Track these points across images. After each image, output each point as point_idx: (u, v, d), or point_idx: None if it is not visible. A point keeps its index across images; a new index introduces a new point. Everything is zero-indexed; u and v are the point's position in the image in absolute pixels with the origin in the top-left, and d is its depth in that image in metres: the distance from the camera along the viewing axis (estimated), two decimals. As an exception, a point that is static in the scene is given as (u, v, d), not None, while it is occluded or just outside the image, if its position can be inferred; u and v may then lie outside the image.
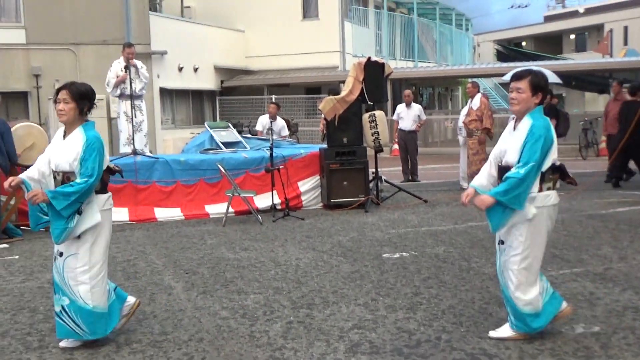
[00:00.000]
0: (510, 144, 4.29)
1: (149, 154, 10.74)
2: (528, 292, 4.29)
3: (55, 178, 4.50)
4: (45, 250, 7.89)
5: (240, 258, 7.17)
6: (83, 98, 4.47)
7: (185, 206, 10.11)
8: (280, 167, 9.93)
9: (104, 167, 4.52)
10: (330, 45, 24.89)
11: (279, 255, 7.27)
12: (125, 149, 10.53)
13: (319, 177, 10.70)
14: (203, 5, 26.07)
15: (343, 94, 10.49)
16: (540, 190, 4.22)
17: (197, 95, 24.10)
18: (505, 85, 34.81)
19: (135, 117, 10.41)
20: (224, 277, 6.37)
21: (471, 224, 8.80)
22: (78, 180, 4.33)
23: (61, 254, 4.44)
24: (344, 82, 11.80)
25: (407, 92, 14.35)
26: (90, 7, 18.13)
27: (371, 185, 10.67)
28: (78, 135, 4.46)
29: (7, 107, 17.06)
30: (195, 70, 23.18)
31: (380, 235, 8.26)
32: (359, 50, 25.61)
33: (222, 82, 24.96)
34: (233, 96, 25.17)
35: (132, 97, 10.32)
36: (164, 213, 9.94)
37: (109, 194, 4.64)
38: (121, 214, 9.69)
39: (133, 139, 10.31)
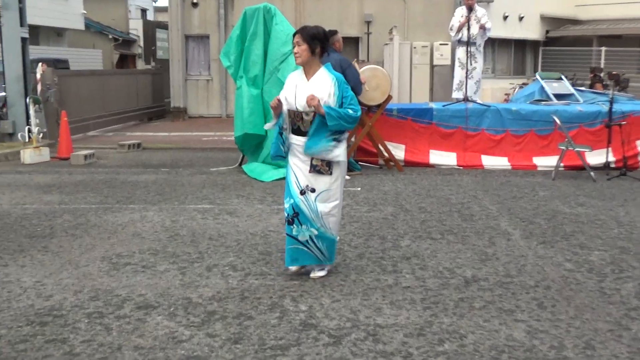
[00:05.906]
0: None
1: (479, 101, 10.80)
2: None
3: (302, 118, 4.64)
4: (382, 186, 8.46)
5: (578, 213, 6.95)
6: (314, 39, 4.60)
7: (513, 156, 10.03)
8: (622, 122, 9.30)
9: None
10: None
11: (620, 215, 6.89)
12: (456, 94, 10.73)
13: (662, 136, 9.82)
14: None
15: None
16: None
17: (520, 45, 23.40)
18: None
19: (470, 65, 10.50)
20: (562, 229, 6.25)
21: None
22: (349, 111, 4.57)
23: (313, 190, 4.68)
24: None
25: None
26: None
27: None
28: (324, 75, 4.66)
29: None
30: (520, 19, 22.49)
31: None
32: None
33: (547, 32, 23.89)
34: (558, 47, 24.00)
35: (468, 43, 10.42)
36: (490, 161, 9.99)
37: None
38: (450, 158, 10.01)
39: (466, 86, 10.44)
